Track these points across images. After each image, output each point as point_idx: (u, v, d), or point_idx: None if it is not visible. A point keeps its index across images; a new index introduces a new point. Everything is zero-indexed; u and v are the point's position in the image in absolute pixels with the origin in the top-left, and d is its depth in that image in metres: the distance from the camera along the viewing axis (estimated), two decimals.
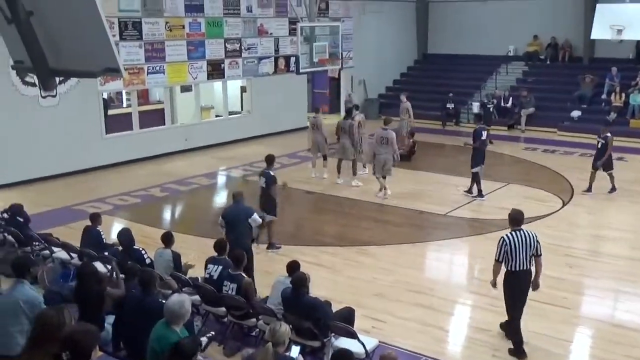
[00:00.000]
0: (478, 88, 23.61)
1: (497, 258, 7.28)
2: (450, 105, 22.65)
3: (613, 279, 9.65)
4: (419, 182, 15.16)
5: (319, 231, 11.82)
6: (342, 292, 8.88)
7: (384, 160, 13.63)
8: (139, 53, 16.80)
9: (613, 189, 13.81)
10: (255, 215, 9.14)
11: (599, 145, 13.75)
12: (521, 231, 7.25)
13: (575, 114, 21.07)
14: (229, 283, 7.38)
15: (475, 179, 13.61)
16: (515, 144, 19.72)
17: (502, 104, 21.97)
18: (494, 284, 7.52)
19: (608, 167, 13.75)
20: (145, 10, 16.78)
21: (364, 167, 15.42)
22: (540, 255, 7.31)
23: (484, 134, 13.47)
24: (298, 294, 6.79)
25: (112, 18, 15.60)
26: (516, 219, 7.35)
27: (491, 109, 20.71)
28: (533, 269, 7.33)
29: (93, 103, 16.22)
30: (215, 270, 7.69)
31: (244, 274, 7.54)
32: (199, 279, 7.99)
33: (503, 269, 7.37)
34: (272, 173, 10.73)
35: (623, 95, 20.77)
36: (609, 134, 13.71)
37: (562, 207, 13.20)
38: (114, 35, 15.32)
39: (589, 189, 13.85)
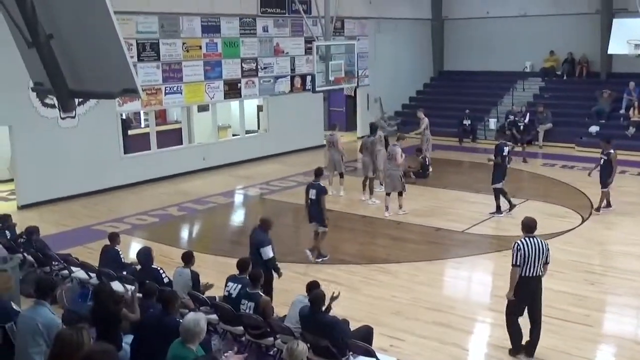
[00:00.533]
0: (495, 104, 23.54)
1: (514, 263, 7.31)
2: (466, 122, 22.61)
3: (635, 296, 9.50)
4: (436, 199, 15.09)
5: (336, 249, 11.78)
6: (360, 311, 8.82)
7: (388, 175, 13.80)
8: (156, 74, 17.01)
9: (599, 209, 13.53)
10: (267, 249, 8.83)
11: (602, 162, 13.56)
12: (534, 238, 7.33)
13: (594, 129, 20.91)
14: (247, 301, 7.38)
15: (499, 194, 13.47)
16: (533, 159, 19.57)
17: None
18: (511, 296, 7.43)
19: (604, 184, 13.52)
20: (163, 32, 17.02)
21: (381, 184, 15.41)
22: (549, 262, 7.43)
23: (506, 149, 13.42)
24: (315, 312, 6.76)
25: (131, 40, 15.86)
26: (529, 225, 7.45)
27: (522, 127, 20.32)
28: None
29: (111, 123, 16.39)
30: (235, 289, 7.69)
31: (261, 293, 7.54)
32: (217, 298, 7.99)
33: None
34: (322, 184, 11.13)
35: None
36: (612, 150, 13.48)
37: (582, 223, 13.06)
38: (132, 57, 15.55)
39: (608, 205, 13.70)
